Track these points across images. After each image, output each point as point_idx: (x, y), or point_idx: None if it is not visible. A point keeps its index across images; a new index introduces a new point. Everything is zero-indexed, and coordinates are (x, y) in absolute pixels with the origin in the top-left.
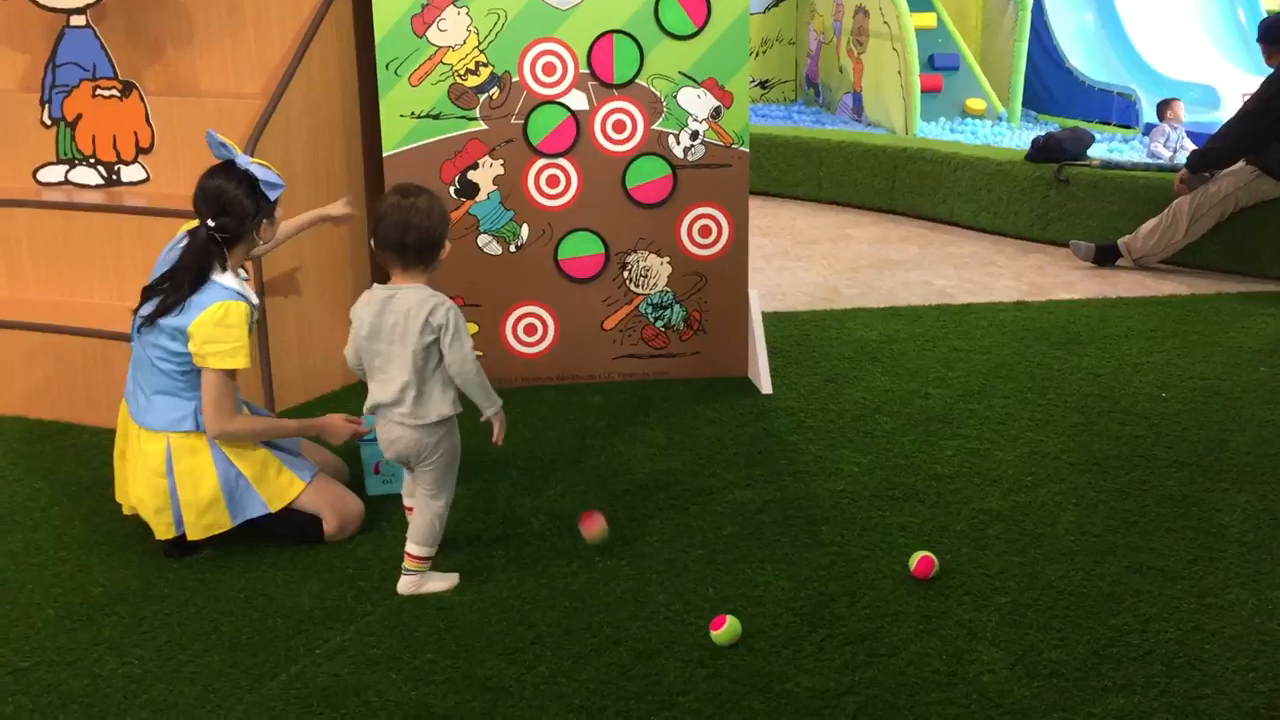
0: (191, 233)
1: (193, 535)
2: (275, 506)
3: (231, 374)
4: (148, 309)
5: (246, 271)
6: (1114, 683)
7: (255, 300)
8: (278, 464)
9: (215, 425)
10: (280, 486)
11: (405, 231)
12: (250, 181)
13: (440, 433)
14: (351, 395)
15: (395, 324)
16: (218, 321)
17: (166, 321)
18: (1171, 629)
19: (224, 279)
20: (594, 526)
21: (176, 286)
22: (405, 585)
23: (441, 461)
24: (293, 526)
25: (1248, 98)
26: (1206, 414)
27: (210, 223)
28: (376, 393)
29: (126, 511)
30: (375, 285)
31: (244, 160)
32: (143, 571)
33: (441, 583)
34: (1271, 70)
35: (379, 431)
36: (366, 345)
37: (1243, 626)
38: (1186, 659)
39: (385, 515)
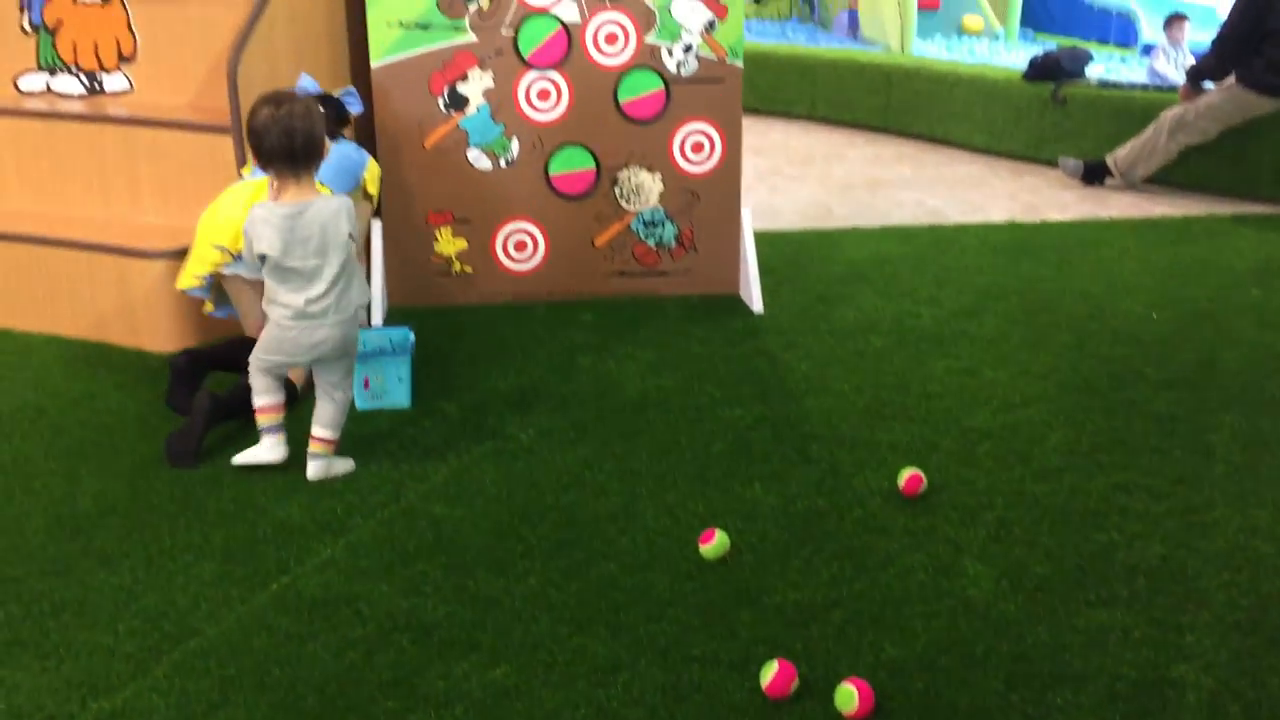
0: None
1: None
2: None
3: None
4: None
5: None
6: (1098, 596)
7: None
8: None
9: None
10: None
11: (292, 138)
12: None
13: (357, 321)
14: None
15: (311, 237)
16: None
17: None
18: (1156, 545)
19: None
20: (709, 540)
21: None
22: (315, 469)
23: (354, 349)
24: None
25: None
26: (1196, 335)
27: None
28: (298, 301)
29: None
30: (268, 202)
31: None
32: (132, 483)
33: (345, 464)
34: None
35: (301, 336)
36: (280, 261)
37: (1227, 544)
38: (1170, 574)
39: (376, 431)
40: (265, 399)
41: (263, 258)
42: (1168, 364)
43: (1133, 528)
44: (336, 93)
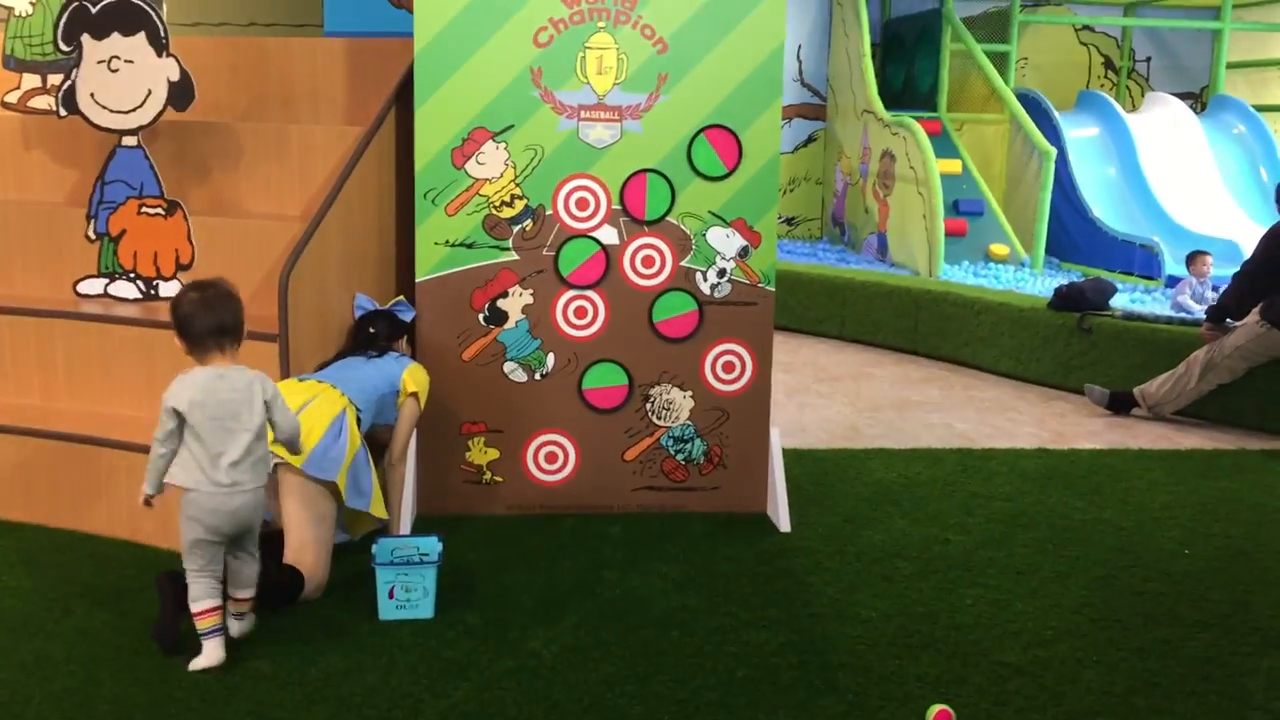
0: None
1: (341, 483)
2: (375, 510)
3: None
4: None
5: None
6: None
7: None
8: (378, 482)
9: (403, 458)
10: (378, 496)
11: (223, 316)
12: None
13: (264, 487)
14: None
15: (229, 401)
16: (418, 371)
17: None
18: None
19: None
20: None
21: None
22: (241, 628)
23: (258, 515)
24: (283, 586)
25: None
26: (1230, 574)
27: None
28: (211, 470)
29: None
30: (192, 370)
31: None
32: (151, 689)
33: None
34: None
35: (220, 504)
36: (198, 421)
37: None
38: None
39: (398, 643)
40: (206, 602)
41: (181, 422)
42: (1202, 603)
43: None
44: (388, 305)
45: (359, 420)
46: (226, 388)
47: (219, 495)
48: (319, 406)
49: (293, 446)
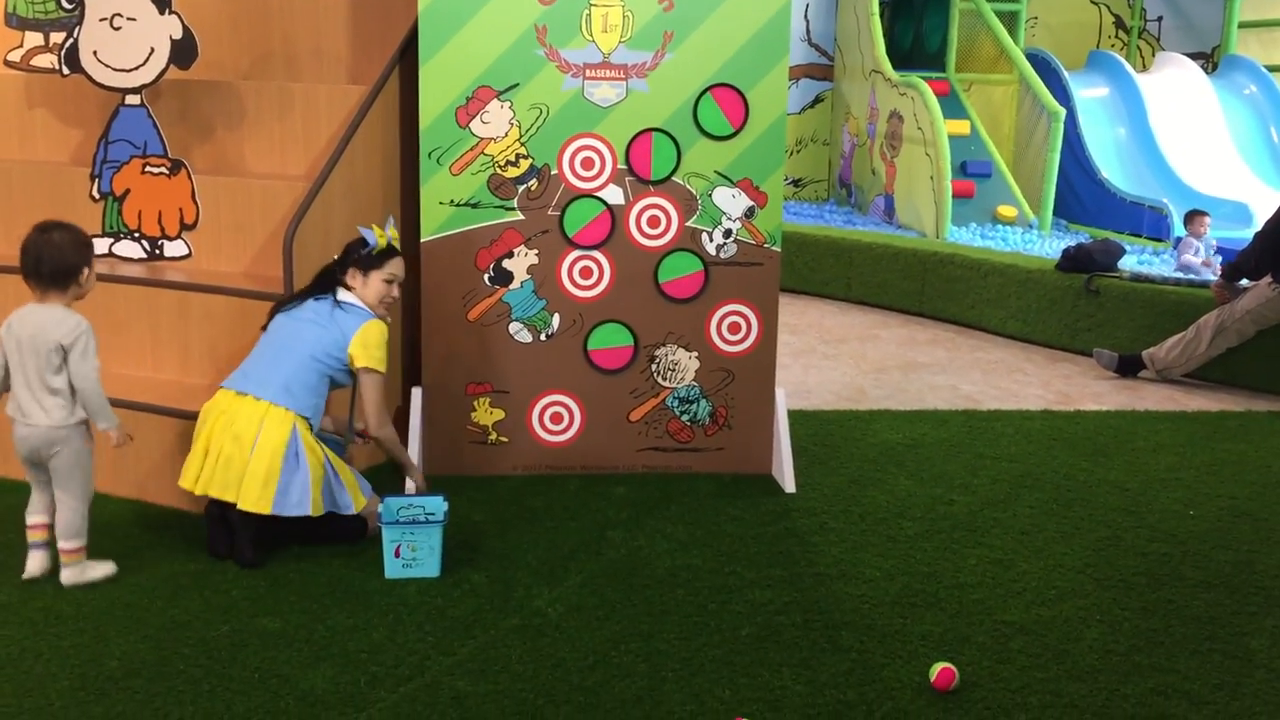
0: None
1: (316, 511)
2: (358, 508)
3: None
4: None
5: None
6: None
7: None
8: (351, 474)
9: (382, 425)
10: (356, 493)
11: (39, 262)
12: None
13: (63, 435)
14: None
15: (30, 337)
16: (372, 336)
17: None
18: None
19: (354, 301)
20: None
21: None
22: (68, 576)
23: (66, 460)
24: (338, 528)
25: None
26: (1234, 534)
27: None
28: (11, 397)
29: (199, 493)
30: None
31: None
32: (159, 646)
33: (101, 569)
34: None
35: (13, 431)
36: (7, 355)
37: None
38: None
39: (404, 601)
40: (31, 517)
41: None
42: (1206, 563)
43: None
44: (362, 228)
45: (310, 426)
46: (32, 323)
47: (12, 422)
48: (266, 440)
49: (92, 410)
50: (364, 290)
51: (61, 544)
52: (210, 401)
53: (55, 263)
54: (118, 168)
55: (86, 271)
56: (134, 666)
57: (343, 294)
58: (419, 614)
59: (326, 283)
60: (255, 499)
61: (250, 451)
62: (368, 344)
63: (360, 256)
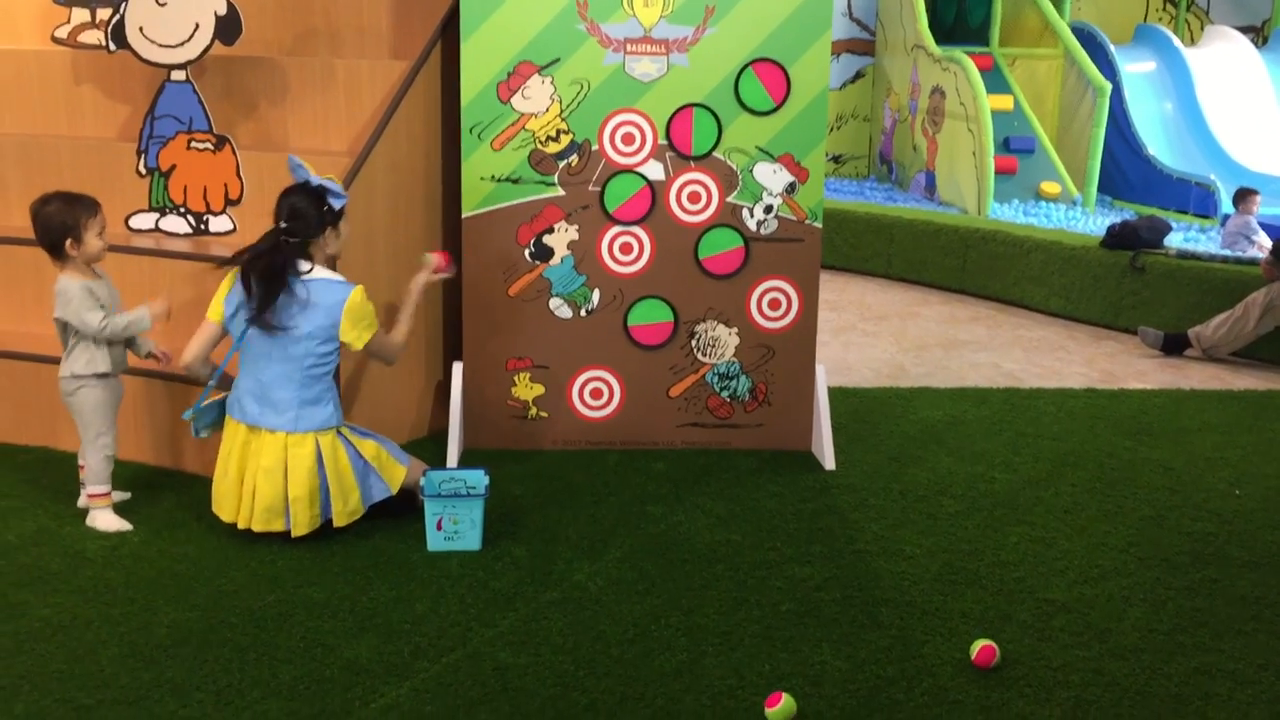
0: (269, 233)
1: (339, 522)
2: (394, 489)
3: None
4: (249, 313)
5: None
6: None
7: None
8: (386, 453)
9: (399, 351)
10: (392, 472)
11: (37, 234)
12: (320, 196)
13: (75, 385)
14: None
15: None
16: (357, 311)
17: (304, 327)
18: None
19: (326, 274)
20: (775, 704)
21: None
22: (88, 519)
23: (79, 407)
24: (401, 500)
25: None
26: None
27: (283, 224)
28: None
29: (243, 526)
30: None
31: (315, 179)
32: (206, 615)
33: (105, 522)
34: None
35: None
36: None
37: None
38: None
39: (446, 574)
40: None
41: None
42: (1251, 543)
43: (1215, 715)
44: (322, 180)
45: (333, 427)
46: (59, 289)
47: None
48: (296, 471)
49: (122, 338)
50: (336, 245)
51: (90, 489)
52: (231, 429)
53: (42, 235)
54: (163, 143)
55: (71, 241)
56: (182, 635)
57: (305, 273)
58: (461, 586)
59: (282, 266)
60: (306, 523)
61: (284, 484)
62: (358, 322)
63: (337, 212)
